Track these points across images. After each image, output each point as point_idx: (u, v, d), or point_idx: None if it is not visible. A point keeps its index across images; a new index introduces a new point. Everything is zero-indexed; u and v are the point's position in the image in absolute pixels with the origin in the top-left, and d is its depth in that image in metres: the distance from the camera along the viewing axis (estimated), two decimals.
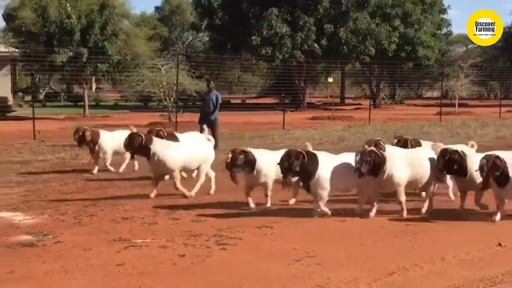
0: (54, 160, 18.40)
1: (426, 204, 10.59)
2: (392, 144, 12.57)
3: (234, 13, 50.22)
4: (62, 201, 11.70)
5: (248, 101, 62.89)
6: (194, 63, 44.99)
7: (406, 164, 10.28)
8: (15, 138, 24.00)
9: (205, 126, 17.83)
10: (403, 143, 12.37)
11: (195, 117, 29.56)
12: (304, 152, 9.85)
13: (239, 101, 63.08)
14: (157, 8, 78.80)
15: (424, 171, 10.49)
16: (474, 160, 10.28)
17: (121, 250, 8.48)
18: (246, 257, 8.26)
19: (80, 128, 14.76)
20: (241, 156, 10.81)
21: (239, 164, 10.85)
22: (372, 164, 9.61)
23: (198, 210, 11.42)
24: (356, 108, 49.70)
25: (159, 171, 12.05)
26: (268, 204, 11.02)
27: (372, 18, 50.38)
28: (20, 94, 53.65)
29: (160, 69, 33.24)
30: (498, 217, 9.91)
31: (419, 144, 12.40)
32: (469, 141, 12.82)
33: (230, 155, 10.84)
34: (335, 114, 40.53)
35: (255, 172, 10.74)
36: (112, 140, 14.89)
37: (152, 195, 11.79)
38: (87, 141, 14.49)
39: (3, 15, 45.26)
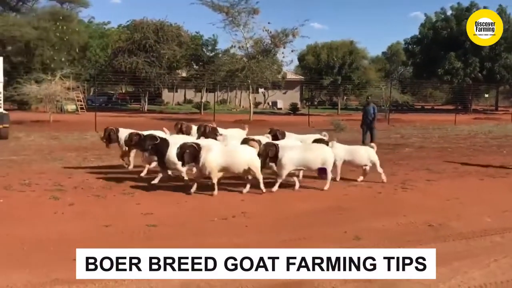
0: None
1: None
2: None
3: (428, 55, 50.25)
4: None
5: (435, 107, 61.22)
6: (403, 84, 47.87)
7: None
8: (299, 124, 24.63)
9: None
10: (273, 135, 9.81)
11: (402, 116, 33.37)
12: (158, 137, 8.35)
13: (430, 107, 61.54)
14: (383, 52, 78.90)
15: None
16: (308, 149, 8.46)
17: (346, 187, 8.62)
18: (417, 196, 8.14)
19: (108, 128, 10.47)
20: (111, 133, 9.58)
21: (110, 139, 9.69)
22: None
23: (395, 167, 11.12)
24: (504, 113, 45.81)
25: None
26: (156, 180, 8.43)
27: None
28: (304, 101, 54.37)
29: (381, 88, 34.53)
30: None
31: (284, 136, 9.87)
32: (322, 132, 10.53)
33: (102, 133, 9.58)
34: (489, 116, 39.42)
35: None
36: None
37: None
38: (113, 140, 10.30)
39: (298, 58, 49.32)
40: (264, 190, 7.96)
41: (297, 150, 8.33)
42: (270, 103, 52.34)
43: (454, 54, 47.10)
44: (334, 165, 8.75)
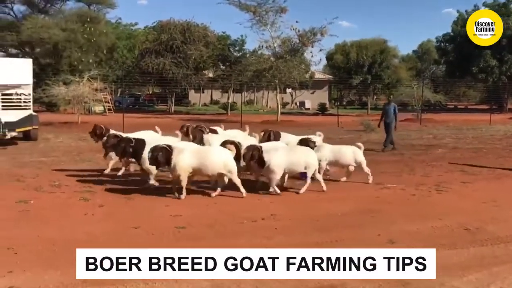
0: (346, 136, 18.88)
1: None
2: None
3: (461, 53, 49.14)
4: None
5: (469, 107, 59.92)
6: (435, 83, 47.00)
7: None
8: (328, 125, 25.01)
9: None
10: (268, 135, 9.75)
11: (435, 116, 32.34)
12: (133, 139, 8.33)
13: (463, 106, 60.46)
14: (414, 51, 77.53)
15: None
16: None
17: (378, 190, 8.61)
18: (452, 198, 8.03)
19: (97, 125, 10.22)
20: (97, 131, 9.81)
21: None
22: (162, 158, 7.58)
23: (428, 168, 11.23)
24: None
25: None
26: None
27: None
28: (333, 101, 55.43)
29: (413, 87, 33.59)
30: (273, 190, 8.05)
31: (278, 137, 9.77)
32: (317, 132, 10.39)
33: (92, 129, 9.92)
34: None
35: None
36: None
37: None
38: (99, 137, 10.10)
39: (326, 57, 48.13)
40: (244, 194, 7.75)
41: (282, 152, 8.17)
42: (298, 103, 52.42)
43: (490, 51, 45.98)
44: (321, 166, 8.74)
